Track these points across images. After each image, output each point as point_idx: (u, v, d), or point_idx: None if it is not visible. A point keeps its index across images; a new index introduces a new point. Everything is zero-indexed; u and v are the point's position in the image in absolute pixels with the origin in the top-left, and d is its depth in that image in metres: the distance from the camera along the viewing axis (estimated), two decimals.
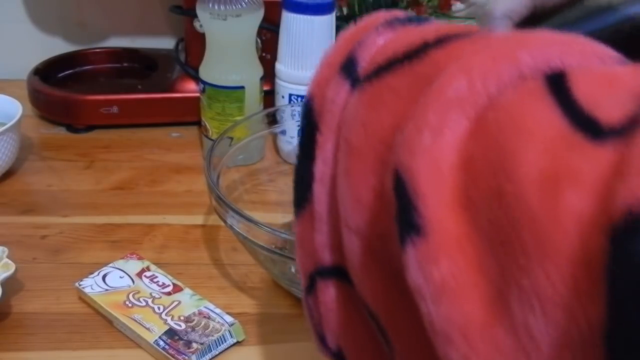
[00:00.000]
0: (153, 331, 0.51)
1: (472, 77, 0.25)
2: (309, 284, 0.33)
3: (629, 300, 0.18)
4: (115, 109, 0.81)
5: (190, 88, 0.82)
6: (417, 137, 0.24)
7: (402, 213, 0.24)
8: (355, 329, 0.32)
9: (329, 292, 0.32)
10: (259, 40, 0.77)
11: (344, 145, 0.29)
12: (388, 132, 0.28)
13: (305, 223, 0.32)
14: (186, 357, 0.49)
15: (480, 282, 0.22)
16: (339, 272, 0.31)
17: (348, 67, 0.31)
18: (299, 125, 0.32)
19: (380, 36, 0.31)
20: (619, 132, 0.21)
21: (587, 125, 0.22)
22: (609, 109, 0.22)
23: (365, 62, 0.31)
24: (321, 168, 0.31)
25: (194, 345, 0.50)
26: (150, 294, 0.54)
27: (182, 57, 0.85)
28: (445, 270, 0.23)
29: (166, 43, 0.94)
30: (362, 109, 0.29)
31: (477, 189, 0.23)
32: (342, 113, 0.31)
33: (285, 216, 0.65)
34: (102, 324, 0.54)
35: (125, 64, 0.92)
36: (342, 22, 0.85)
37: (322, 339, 0.33)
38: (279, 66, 0.74)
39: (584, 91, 0.23)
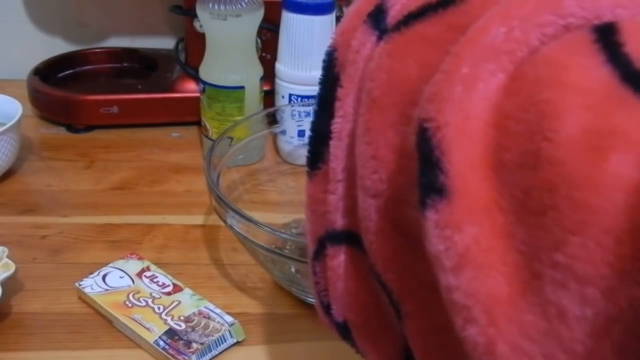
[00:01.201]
0: (153, 331, 0.51)
1: (511, 25, 0.22)
2: (318, 248, 0.31)
3: None
4: (115, 109, 0.81)
5: (190, 88, 0.82)
6: (448, 89, 0.22)
7: (424, 172, 0.22)
8: (363, 299, 0.30)
9: (338, 258, 0.30)
10: (259, 40, 0.77)
11: (366, 98, 0.27)
12: (414, 85, 0.25)
13: (317, 184, 0.31)
14: (186, 357, 0.49)
15: (507, 255, 0.20)
16: (350, 238, 0.30)
17: (376, 17, 0.29)
18: (321, 80, 0.31)
19: None
20: None
21: (638, 82, 0.20)
22: None
23: (395, 11, 0.28)
24: (340, 124, 0.30)
25: (194, 345, 0.50)
26: (150, 294, 0.54)
27: (182, 57, 0.85)
28: (469, 238, 0.21)
29: (166, 43, 0.94)
30: (387, 58, 0.27)
31: (511, 150, 0.21)
32: (367, 65, 0.29)
33: (285, 216, 0.65)
34: (102, 324, 0.54)
35: (125, 64, 0.93)
36: None
37: (326, 309, 0.32)
38: (279, 66, 0.74)
39: (636, 46, 0.21)
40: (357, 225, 0.29)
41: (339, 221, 0.30)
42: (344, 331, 0.32)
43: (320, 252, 0.31)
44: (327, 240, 0.31)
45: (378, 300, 0.29)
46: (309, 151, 0.32)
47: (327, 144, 0.30)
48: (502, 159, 0.21)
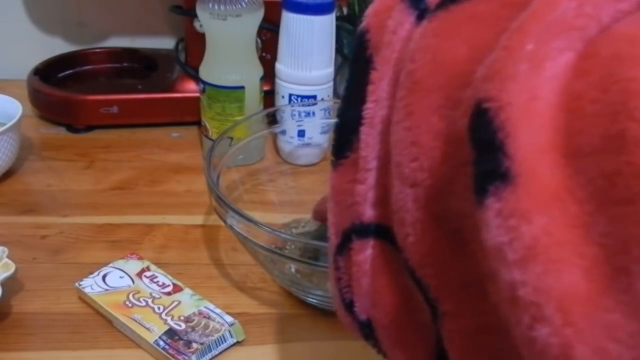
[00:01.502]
0: (153, 331, 0.51)
1: (581, 1, 0.21)
2: (342, 242, 0.30)
3: None
4: (115, 109, 0.81)
5: (190, 88, 0.82)
6: (511, 66, 0.21)
7: (484, 156, 0.20)
8: (392, 296, 0.28)
9: (365, 253, 0.29)
10: (259, 40, 0.77)
11: (406, 80, 0.26)
12: (464, 66, 0.24)
13: (344, 173, 0.29)
14: (186, 357, 0.49)
15: (584, 247, 0.19)
16: (379, 231, 0.28)
17: None
18: (351, 63, 0.30)
19: None
20: None
21: None
22: None
23: None
24: (372, 109, 0.28)
25: (194, 345, 0.50)
26: (150, 294, 0.54)
27: (182, 57, 0.85)
28: (538, 228, 0.19)
29: (166, 43, 0.94)
30: (432, 38, 0.25)
31: (587, 133, 0.19)
32: (405, 46, 0.27)
33: (285, 216, 0.65)
34: (102, 324, 0.54)
35: (125, 64, 0.93)
36: (342, 22, 0.85)
37: (348, 306, 0.30)
38: (279, 66, 0.74)
39: None
40: (388, 217, 0.27)
41: (367, 213, 0.28)
42: (366, 330, 0.30)
43: (344, 246, 0.29)
44: (353, 233, 0.29)
45: (409, 298, 0.28)
46: (336, 139, 0.30)
47: (357, 130, 0.28)
48: (576, 143, 0.19)
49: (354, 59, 0.29)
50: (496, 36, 0.22)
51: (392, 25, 0.28)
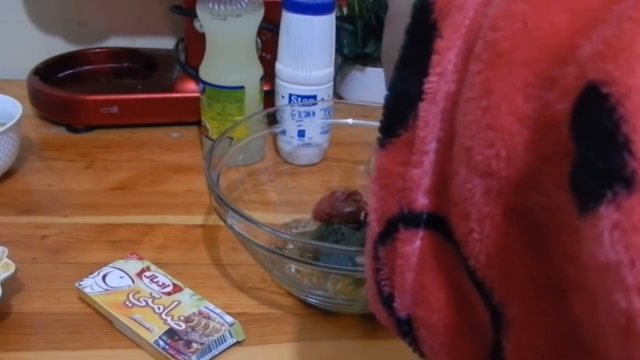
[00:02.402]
0: (153, 331, 0.51)
1: None
2: (386, 230, 0.26)
3: None
4: (115, 109, 0.81)
5: (190, 88, 0.82)
6: (638, 44, 0.17)
7: (598, 153, 0.17)
8: (441, 294, 0.25)
9: (413, 245, 0.26)
10: (259, 40, 0.77)
11: (486, 52, 0.22)
12: (563, 37, 0.20)
13: (394, 154, 0.26)
14: (186, 357, 0.49)
15: None
16: (433, 222, 0.25)
17: None
18: (409, 29, 0.26)
19: None
20: None
21: None
22: None
23: None
24: (436, 83, 0.24)
25: (194, 345, 0.50)
26: (150, 294, 0.54)
27: (182, 57, 0.85)
28: None
29: (166, 43, 0.94)
30: (522, 2, 0.21)
31: None
32: (481, 11, 0.23)
33: (285, 216, 0.65)
34: (102, 324, 0.54)
35: (125, 64, 0.93)
36: (342, 22, 0.85)
37: (385, 301, 0.27)
38: (279, 66, 0.74)
39: None
40: (446, 207, 0.24)
41: (420, 200, 0.25)
42: (405, 328, 0.28)
43: (388, 235, 0.26)
44: (400, 221, 0.26)
45: (463, 299, 0.25)
46: (386, 114, 0.26)
47: (415, 106, 0.25)
48: None
49: (414, 23, 0.26)
50: (605, 3, 0.19)
51: None
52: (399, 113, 0.26)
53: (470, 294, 0.24)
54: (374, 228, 0.27)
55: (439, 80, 0.24)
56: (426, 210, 0.25)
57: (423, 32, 0.25)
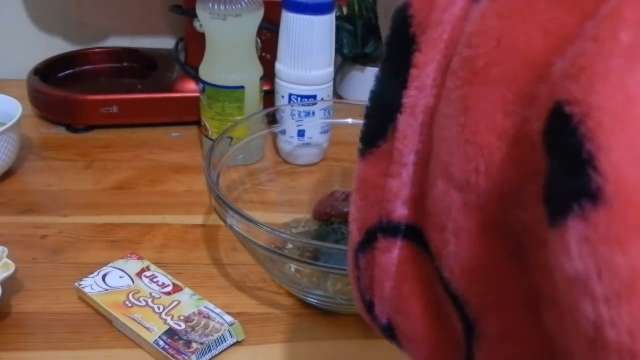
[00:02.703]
0: (153, 331, 0.51)
1: None
2: (365, 239, 0.27)
3: None
4: (115, 109, 0.81)
5: (190, 88, 0.82)
6: (602, 63, 0.17)
7: (565, 170, 0.17)
8: (417, 304, 0.26)
9: (390, 254, 0.26)
10: (259, 40, 0.77)
11: (463, 69, 0.22)
12: (538, 56, 0.20)
13: (374, 165, 0.26)
14: (186, 357, 0.49)
15: None
16: (410, 233, 0.25)
17: None
18: (389, 41, 0.26)
19: None
20: None
21: None
22: None
23: None
24: (414, 97, 0.24)
25: (194, 345, 0.50)
26: (150, 294, 0.54)
27: (182, 57, 0.85)
28: (636, 258, 0.16)
29: (166, 43, 0.94)
30: (496, 20, 0.21)
31: None
32: (458, 27, 0.24)
33: (285, 216, 0.65)
34: (102, 324, 0.54)
35: (125, 64, 0.93)
36: (342, 22, 0.85)
37: (368, 307, 0.28)
38: (279, 66, 0.74)
39: None
40: (423, 219, 0.24)
41: (398, 211, 0.26)
42: (388, 332, 0.28)
43: (368, 244, 0.27)
44: (379, 231, 0.26)
45: (439, 310, 0.25)
46: (366, 125, 0.27)
47: (394, 118, 0.25)
48: None
49: (393, 36, 0.26)
50: (579, 21, 0.19)
51: (442, 2, 0.24)
52: (379, 124, 0.26)
53: (446, 305, 0.24)
54: (354, 237, 0.28)
55: (418, 94, 0.25)
56: (404, 222, 0.26)
57: (402, 45, 0.25)
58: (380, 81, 0.26)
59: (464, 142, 0.22)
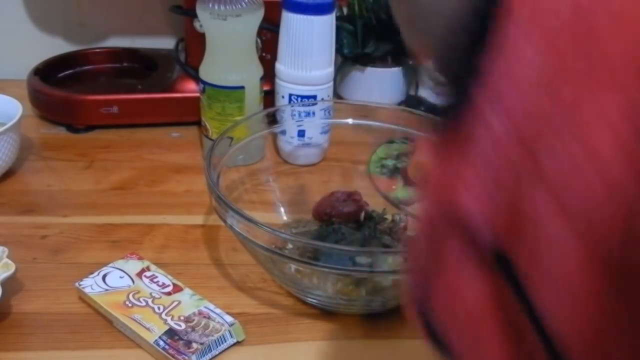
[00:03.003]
0: (153, 331, 0.51)
1: None
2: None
3: None
4: (115, 109, 0.81)
5: (190, 88, 0.82)
6: None
7: None
8: (493, 342, 0.21)
9: (466, 277, 0.22)
10: (259, 40, 0.77)
11: (573, 57, 0.17)
12: None
13: (448, 162, 0.21)
14: (186, 357, 0.49)
15: None
16: (495, 259, 0.21)
17: None
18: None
19: None
20: None
21: None
22: None
23: None
24: (500, 87, 0.19)
25: (194, 345, 0.50)
26: (150, 294, 0.54)
27: (182, 57, 0.85)
28: None
29: (166, 43, 0.94)
30: None
31: None
32: None
33: (285, 216, 0.65)
34: (102, 324, 0.54)
35: (125, 64, 0.93)
36: (342, 22, 0.85)
37: (423, 318, 0.24)
38: (279, 66, 0.74)
39: None
40: (511, 242, 0.20)
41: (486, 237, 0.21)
42: (441, 348, 0.24)
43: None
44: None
45: (517, 349, 0.21)
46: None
47: (465, 111, 0.20)
48: None
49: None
50: None
51: None
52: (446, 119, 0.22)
53: (531, 344, 0.20)
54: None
55: (508, 84, 0.20)
56: (489, 245, 0.21)
57: (486, 14, 0.20)
58: (447, 57, 0.22)
59: (574, 148, 0.17)
